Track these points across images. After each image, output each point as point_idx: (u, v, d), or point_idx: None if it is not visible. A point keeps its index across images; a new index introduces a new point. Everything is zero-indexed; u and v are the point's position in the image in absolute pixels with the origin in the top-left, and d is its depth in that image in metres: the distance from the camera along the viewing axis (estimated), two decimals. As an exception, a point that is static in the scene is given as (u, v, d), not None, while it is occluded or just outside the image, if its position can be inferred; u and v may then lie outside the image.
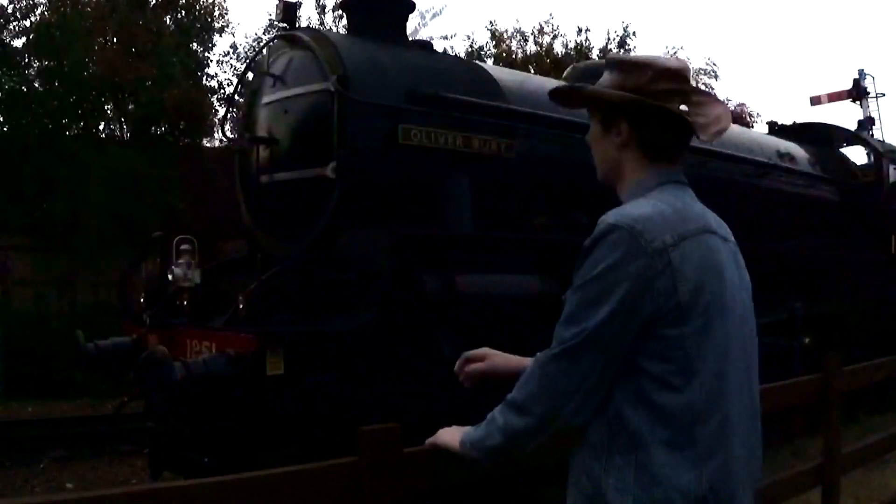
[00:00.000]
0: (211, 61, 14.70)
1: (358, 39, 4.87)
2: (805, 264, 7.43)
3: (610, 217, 1.55)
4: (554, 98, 1.85)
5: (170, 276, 4.33)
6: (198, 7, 14.19)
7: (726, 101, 18.51)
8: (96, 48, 12.89)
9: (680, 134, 1.72)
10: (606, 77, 1.75)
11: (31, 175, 11.44)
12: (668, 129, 1.70)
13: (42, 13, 13.02)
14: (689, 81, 1.74)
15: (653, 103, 1.66)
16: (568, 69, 7.14)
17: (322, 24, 14.75)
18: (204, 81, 14.32)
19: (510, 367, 1.83)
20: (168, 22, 13.98)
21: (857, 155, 10.28)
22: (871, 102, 12.33)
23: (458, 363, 1.92)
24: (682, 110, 1.69)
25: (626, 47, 17.90)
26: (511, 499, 4.20)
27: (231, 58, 14.85)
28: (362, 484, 1.77)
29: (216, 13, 14.46)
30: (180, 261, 4.32)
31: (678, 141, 1.74)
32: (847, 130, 10.21)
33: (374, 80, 4.57)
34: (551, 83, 4.91)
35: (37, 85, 12.76)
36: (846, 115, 33.79)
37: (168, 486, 1.64)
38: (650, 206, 1.59)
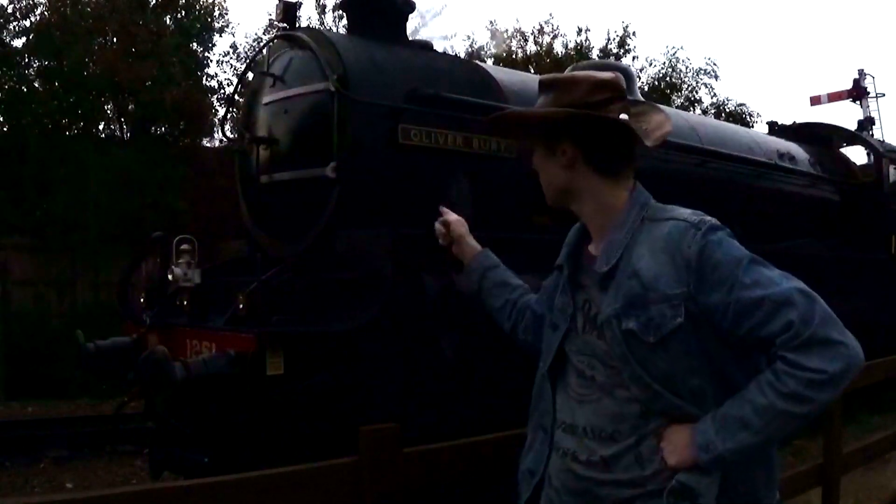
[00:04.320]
0: (211, 61, 14.73)
1: (358, 39, 4.86)
2: (805, 264, 7.41)
3: (706, 217, 1.62)
4: (494, 128, 1.82)
5: (170, 276, 4.33)
6: (198, 7, 14.18)
7: (725, 101, 18.55)
8: (96, 48, 12.88)
9: (623, 144, 1.71)
10: (541, 100, 1.73)
11: (31, 175, 11.43)
12: (612, 141, 1.69)
13: (42, 13, 13.02)
14: (623, 92, 1.72)
15: (594, 114, 1.64)
16: (567, 69, 7.15)
17: (322, 24, 14.77)
18: (204, 81, 14.32)
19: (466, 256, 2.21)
20: (168, 22, 13.97)
21: (857, 155, 10.29)
22: (871, 102, 12.33)
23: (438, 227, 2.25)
24: (622, 118, 1.67)
25: (626, 47, 17.92)
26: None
27: (231, 58, 14.88)
28: (362, 484, 1.77)
29: (216, 13, 14.47)
30: (180, 261, 4.31)
31: (623, 151, 1.72)
32: (847, 130, 10.21)
33: (374, 80, 4.57)
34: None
35: (37, 85, 12.75)
36: (846, 115, 33.82)
37: (168, 486, 1.64)
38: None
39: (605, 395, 1.62)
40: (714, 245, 1.55)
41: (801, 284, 1.56)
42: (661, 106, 8.67)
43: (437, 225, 2.25)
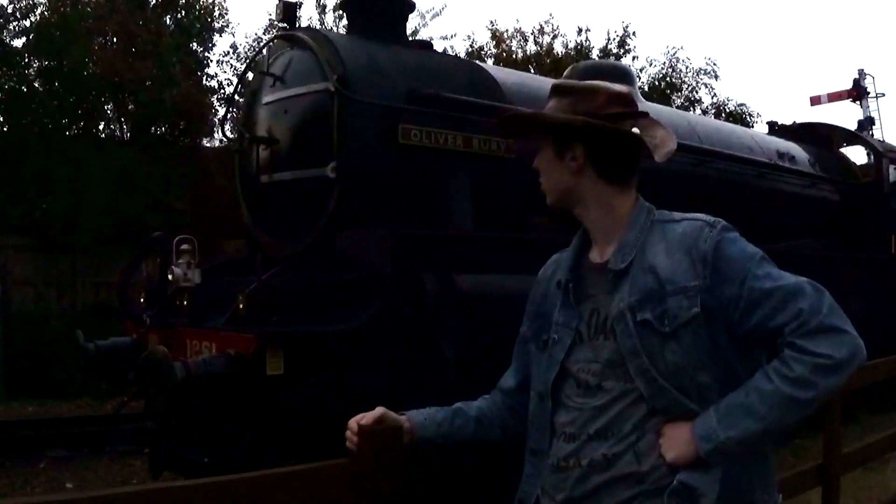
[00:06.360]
0: (211, 61, 14.71)
1: (358, 39, 4.87)
2: (805, 264, 7.41)
3: (720, 219, 1.67)
4: (506, 126, 1.81)
5: (170, 276, 4.33)
6: (198, 7, 14.19)
7: (725, 101, 18.55)
8: (96, 48, 12.89)
9: (631, 155, 1.76)
10: (554, 103, 1.77)
11: (31, 175, 11.44)
12: (622, 151, 1.74)
13: (42, 13, 13.03)
14: (636, 106, 1.78)
15: (611, 126, 1.70)
16: (568, 69, 7.14)
17: (322, 24, 14.75)
18: (204, 81, 14.32)
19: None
20: (168, 22, 13.98)
21: (857, 155, 10.30)
22: (871, 102, 12.34)
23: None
24: (634, 132, 1.73)
25: (626, 47, 17.91)
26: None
27: (231, 58, 14.86)
28: (362, 484, 1.77)
29: (216, 13, 14.47)
30: (180, 261, 4.32)
31: (631, 162, 1.77)
32: (847, 130, 10.21)
33: (374, 79, 4.57)
34: (551, 83, 4.89)
35: (37, 85, 12.75)
36: (846, 115, 33.81)
37: (168, 486, 1.64)
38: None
39: (613, 397, 1.62)
40: (728, 241, 1.61)
41: (810, 280, 1.60)
42: (661, 106, 8.64)
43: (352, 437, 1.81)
